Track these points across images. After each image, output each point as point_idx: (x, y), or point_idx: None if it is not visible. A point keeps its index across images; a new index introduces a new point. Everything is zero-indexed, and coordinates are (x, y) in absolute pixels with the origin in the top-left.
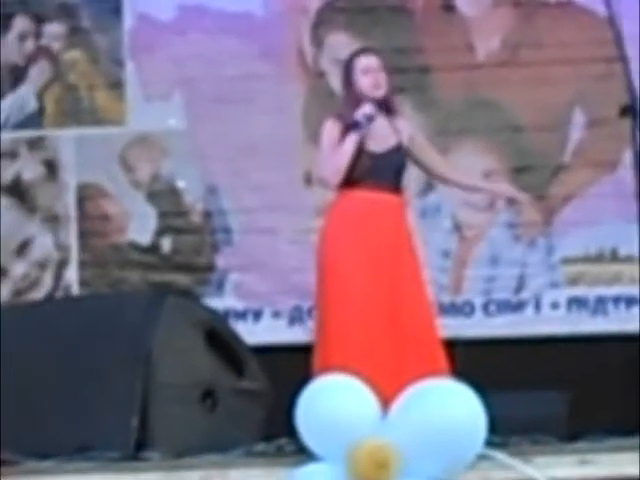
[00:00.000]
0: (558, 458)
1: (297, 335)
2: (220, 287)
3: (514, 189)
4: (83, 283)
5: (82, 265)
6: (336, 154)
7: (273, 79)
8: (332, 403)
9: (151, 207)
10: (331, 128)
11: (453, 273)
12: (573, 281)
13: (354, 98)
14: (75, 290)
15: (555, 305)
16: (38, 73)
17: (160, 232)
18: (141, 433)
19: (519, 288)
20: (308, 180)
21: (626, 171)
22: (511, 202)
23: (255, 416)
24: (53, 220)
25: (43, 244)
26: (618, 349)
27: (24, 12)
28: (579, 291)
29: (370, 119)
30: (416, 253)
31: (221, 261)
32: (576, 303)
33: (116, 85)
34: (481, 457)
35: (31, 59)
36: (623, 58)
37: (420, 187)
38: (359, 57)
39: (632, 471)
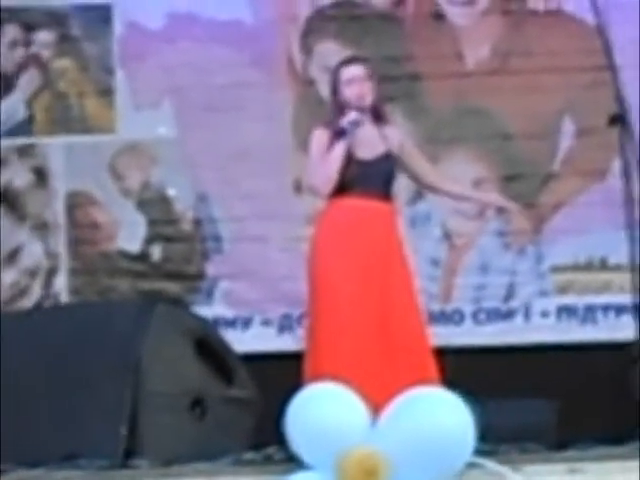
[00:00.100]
0: (547, 466)
1: (286, 343)
2: (210, 295)
3: (503, 198)
4: (72, 291)
5: (71, 273)
6: (325, 162)
7: (263, 87)
8: (322, 411)
9: (141, 215)
10: (320, 136)
11: (443, 281)
12: (562, 289)
13: (340, 107)
14: (64, 298)
15: (545, 313)
16: (28, 81)
17: (150, 240)
18: (130, 441)
19: (509, 296)
20: (298, 188)
21: (615, 180)
22: (501, 210)
23: (244, 424)
24: (42, 228)
25: (32, 252)
26: (607, 358)
27: (14, 20)
28: (568, 299)
29: (356, 124)
30: (406, 261)
31: (211, 269)
32: (565, 311)
33: (106, 93)
34: (470, 465)
35: (21, 67)
36: (612, 67)
37: (410, 195)
38: (344, 67)
39: (620, 479)
